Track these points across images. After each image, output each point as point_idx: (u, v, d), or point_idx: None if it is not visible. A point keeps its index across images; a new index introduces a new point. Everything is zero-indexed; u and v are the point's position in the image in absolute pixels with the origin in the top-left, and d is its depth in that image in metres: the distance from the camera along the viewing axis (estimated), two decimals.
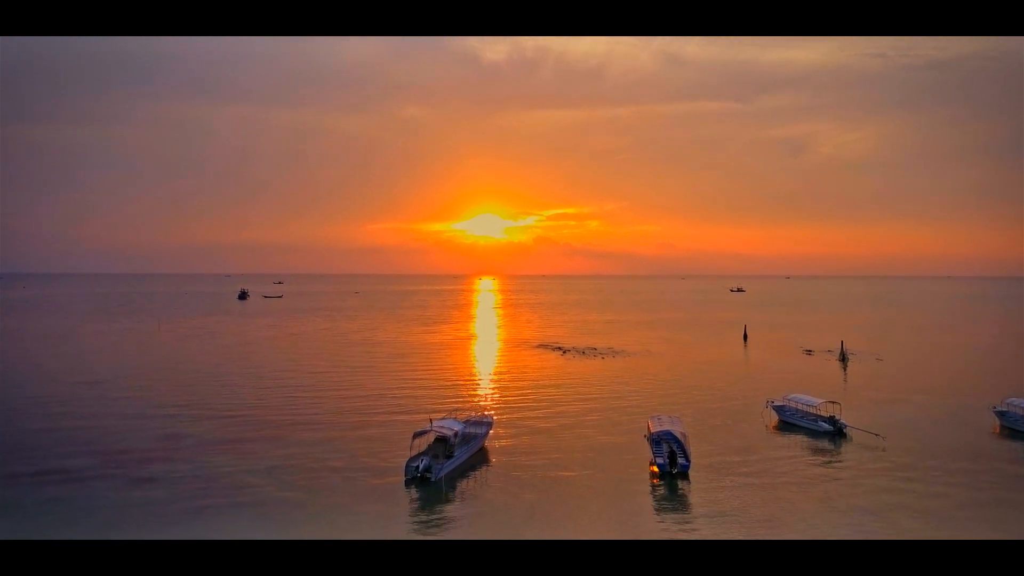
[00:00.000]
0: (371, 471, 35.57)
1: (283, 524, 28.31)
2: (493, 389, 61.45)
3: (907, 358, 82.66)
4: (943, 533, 27.48)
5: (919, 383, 63.80)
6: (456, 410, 47.24)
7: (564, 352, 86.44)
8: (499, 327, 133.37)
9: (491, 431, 41.81)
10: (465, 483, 34.06)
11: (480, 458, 38.12)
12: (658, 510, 30.72)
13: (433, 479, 33.46)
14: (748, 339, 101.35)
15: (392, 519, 29.30)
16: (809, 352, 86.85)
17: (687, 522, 28.93)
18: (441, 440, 36.90)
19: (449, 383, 64.52)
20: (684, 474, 34.37)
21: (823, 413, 45.48)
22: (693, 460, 35.19)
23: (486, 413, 46.65)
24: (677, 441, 35.77)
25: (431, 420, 39.79)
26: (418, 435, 36.79)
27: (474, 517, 29.72)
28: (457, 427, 37.72)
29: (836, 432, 43.46)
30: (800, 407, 46.73)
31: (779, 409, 48.05)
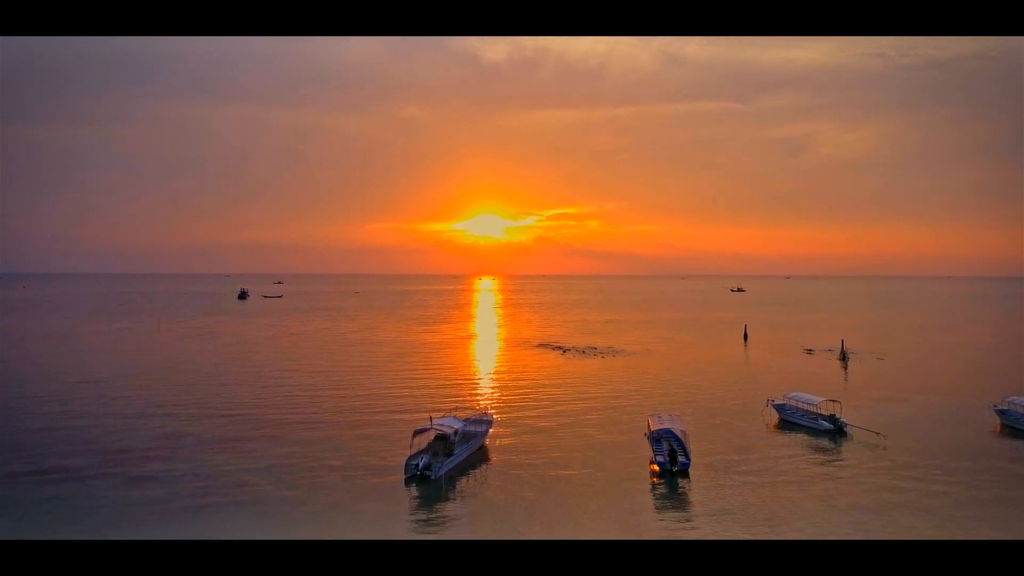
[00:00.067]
0: (371, 470, 35.58)
1: (283, 523, 28.34)
2: (493, 388, 61.46)
3: (908, 357, 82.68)
4: (944, 532, 27.52)
5: (919, 382, 63.80)
6: (456, 408, 47.26)
7: (564, 351, 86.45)
8: (499, 327, 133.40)
9: (491, 429, 41.83)
10: (465, 481, 34.08)
11: (480, 456, 38.14)
12: (658, 508, 30.73)
13: (433, 477, 33.49)
14: (748, 338, 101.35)
15: (392, 517, 29.32)
16: (809, 351, 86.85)
17: (687, 520, 28.93)
18: (441, 438, 36.89)
19: (449, 382, 64.56)
20: (684, 472, 34.38)
21: (824, 412, 45.48)
22: (693, 458, 35.19)
23: (486, 411, 46.65)
24: (677, 439, 35.76)
25: (431, 418, 39.80)
26: (418, 433, 36.83)
27: (474, 515, 29.75)
28: (457, 425, 37.74)
29: (837, 431, 43.46)
30: (801, 406, 46.71)
31: (779, 408, 48.05)
